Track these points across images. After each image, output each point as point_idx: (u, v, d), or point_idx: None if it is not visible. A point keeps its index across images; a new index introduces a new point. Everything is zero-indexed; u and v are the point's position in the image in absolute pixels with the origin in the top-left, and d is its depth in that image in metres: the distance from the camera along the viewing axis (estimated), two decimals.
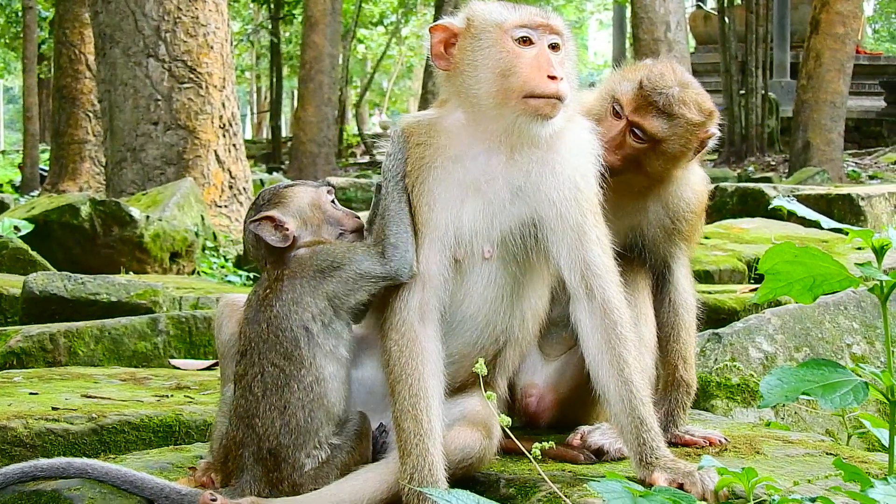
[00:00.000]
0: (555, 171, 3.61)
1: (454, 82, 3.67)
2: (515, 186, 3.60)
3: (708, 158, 24.57)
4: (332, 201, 3.86)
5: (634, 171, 3.94)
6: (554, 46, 3.59)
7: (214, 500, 3.50)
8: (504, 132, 3.58)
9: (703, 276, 8.98)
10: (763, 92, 30.79)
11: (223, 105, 14.14)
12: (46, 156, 30.82)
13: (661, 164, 3.96)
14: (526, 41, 3.56)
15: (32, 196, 23.80)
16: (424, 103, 28.69)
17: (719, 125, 4.05)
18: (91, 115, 24.30)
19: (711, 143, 4.03)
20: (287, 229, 3.73)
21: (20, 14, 34.47)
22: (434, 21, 3.89)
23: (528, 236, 3.62)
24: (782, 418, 5.32)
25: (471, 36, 3.62)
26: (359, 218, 3.86)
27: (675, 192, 4.08)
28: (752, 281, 9.18)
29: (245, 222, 3.83)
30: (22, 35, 32.19)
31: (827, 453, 3.99)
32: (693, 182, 4.13)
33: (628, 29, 37.05)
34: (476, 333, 3.72)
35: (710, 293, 7.28)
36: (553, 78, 3.50)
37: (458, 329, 3.71)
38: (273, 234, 3.72)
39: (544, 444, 3.37)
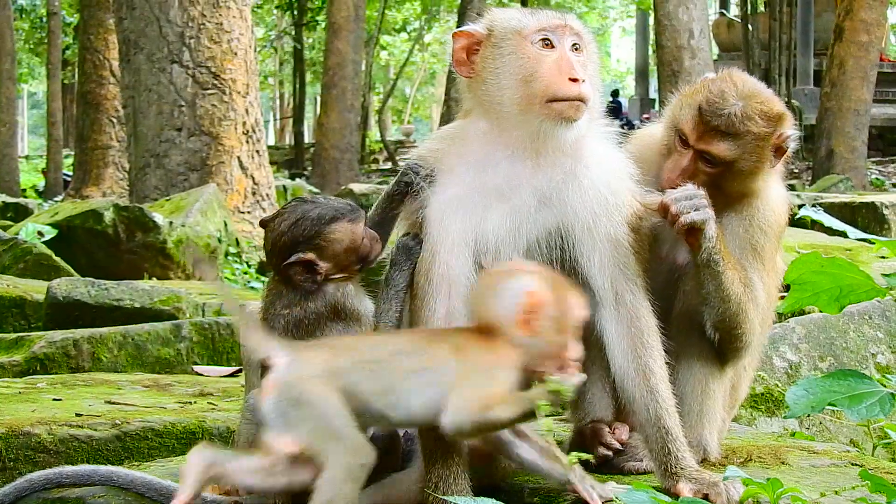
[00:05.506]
0: (581, 180, 3.59)
1: (476, 90, 3.67)
2: (541, 194, 3.58)
3: None
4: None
5: (713, 192, 3.67)
6: (576, 48, 3.57)
7: None
8: (529, 138, 3.56)
9: None
10: (786, 99, 30.54)
11: (247, 111, 14.18)
12: (70, 161, 30.99)
13: (740, 181, 3.80)
14: (547, 44, 3.54)
15: (56, 201, 23.94)
16: (448, 110, 28.68)
17: (795, 124, 3.87)
18: (115, 120, 24.42)
19: (791, 144, 3.84)
20: (320, 273, 3.62)
21: (45, 20, 34.67)
22: (457, 28, 3.88)
23: (553, 247, 3.60)
24: (807, 428, 5.30)
25: (491, 44, 3.61)
26: (379, 241, 3.74)
27: (757, 207, 3.85)
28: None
29: (273, 235, 3.67)
30: (46, 40, 32.39)
31: (852, 464, 3.95)
32: (772, 198, 3.89)
33: (651, 36, 37.00)
34: None
35: None
36: (574, 80, 3.48)
37: None
38: (305, 277, 3.61)
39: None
